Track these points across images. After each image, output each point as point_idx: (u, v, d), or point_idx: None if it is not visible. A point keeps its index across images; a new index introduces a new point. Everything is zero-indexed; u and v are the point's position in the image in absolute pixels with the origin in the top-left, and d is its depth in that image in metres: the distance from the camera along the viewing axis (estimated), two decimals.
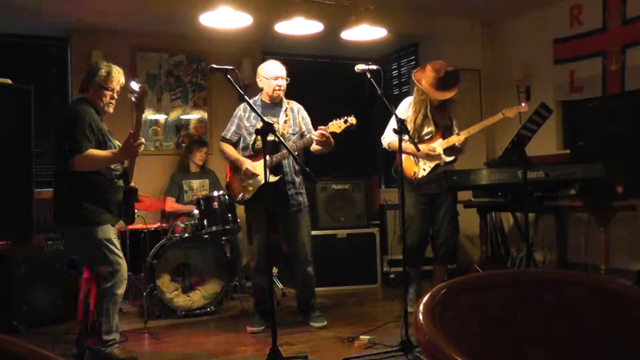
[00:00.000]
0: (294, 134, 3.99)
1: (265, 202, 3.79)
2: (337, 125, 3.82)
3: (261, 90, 4.04)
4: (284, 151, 3.81)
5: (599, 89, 5.19)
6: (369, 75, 3.51)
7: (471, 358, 1.10)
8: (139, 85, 3.16)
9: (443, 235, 4.19)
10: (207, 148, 5.59)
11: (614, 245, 4.58)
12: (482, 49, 6.31)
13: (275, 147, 3.83)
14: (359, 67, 3.54)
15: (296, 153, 3.74)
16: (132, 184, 3.34)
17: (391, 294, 5.06)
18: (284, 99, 4.04)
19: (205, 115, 6.03)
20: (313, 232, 5.07)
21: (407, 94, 6.50)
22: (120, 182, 3.29)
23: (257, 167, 3.89)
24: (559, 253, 5.28)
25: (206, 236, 4.60)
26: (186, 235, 4.57)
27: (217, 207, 4.74)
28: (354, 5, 5.18)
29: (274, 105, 4.01)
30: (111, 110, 3.37)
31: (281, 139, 3.40)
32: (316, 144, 3.84)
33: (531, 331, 1.40)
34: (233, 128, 4.04)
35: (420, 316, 1.22)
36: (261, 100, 4.03)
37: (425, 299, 1.29)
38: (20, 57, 5.60)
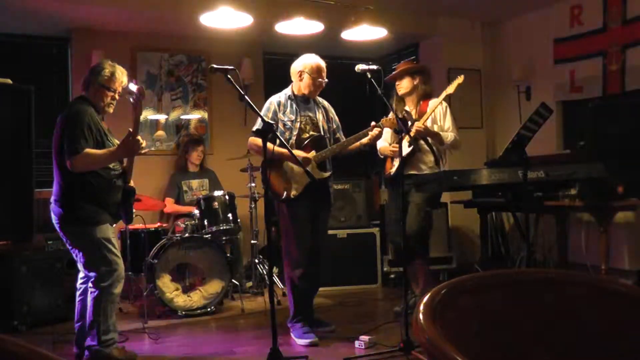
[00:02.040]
0: (329, 130, 3.89)
1: (309, 202, 3.71)
2: (390, 121, 3.74)
3: (291, 83, 3.87)
4: (334, 146, 3.75)
5: (599, 89, 5.19)
6: (369, 75, 3.51)
7: (471, 358, 1.10)
8: (137, 86, 3.16)
9: (408, 227, 4.12)
10: (204, 147, 5.59)
11: (614, 245, 4.58)
12: (482, 49, 6.31)
13: (320, 142, 3.75)
14: (359, 67, 3.54)
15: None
16: (131, 184, 3.34)
17: (391, 294, 5.06)
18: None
19: (205, 115, 6.04)
20: None
21: None
22: (119, 182, 3.28)
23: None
24: (559, 253, 5.28)
25: (206, 236, 4.60)
26: (186, 235, 4.57)
27: (217, 207, 4.74)
28: (354, 5, 5.18)
29: (307, 100, 3.85)
30: (111, 110, 3.36)
31: (277, 138, 3.38)
32: (369, 139, 3.74)
33: (531, 331, 1.41)
34: None
35: (421, 316, 1.22)
36: (294, 94, 3.82)
37: (425, 299, 1.29)
38: (20, 57, 5.60)
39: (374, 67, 3.54)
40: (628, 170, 4.20)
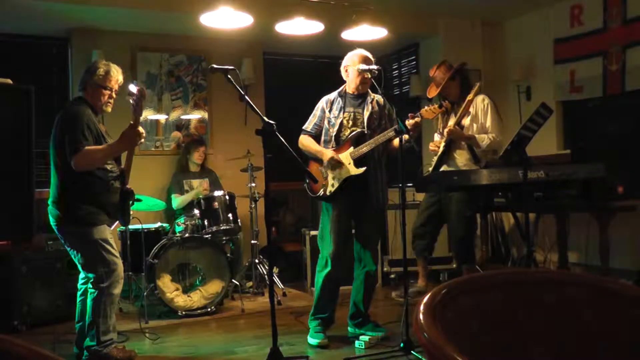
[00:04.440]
0: (379, 127, 3.73)
1: (346, 201, 3.64)
2: (430, 111, 3.62)
3: (344, 82, 3.80)
4: (370, 141, 3.61)
5: (599, 89, 5.19)
6: (369, 75, 3.50)
7: (471, 358, 1.10)
8: (137, 88, 3.15)
9: (452, 235, 4.19)
10: (205, 147, 5.59)
11: (614, 245, 4.58)
12: (482, 49, 6.30)
13: (359, 137, 3.66)
14: (360, 67, 3.53)
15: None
16: (128, 186, 3.33)
17: (391, 294, 5.05)
18: (369, 91, 3.78)
19: (205, 115, 6.04)
20: (312, 232, 5.07)
21: (408, 94, 6.51)
22: (117, 184, 3.28)
23: (342, 158, 3.61)
24: (559, 253, 5.27)
25: (206, 236, 4.60)
26: (186, 235, 4.57)
27: (217, 207, 4.74)
28: (354, 5, 5.17)
29: (359, 96, 3.75)
30: (109, 109, 3.36)
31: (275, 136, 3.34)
32: (408, 134, 3.49)
33: (531, 331, 1.40)
34: (315, 120, 3.78)
35: (421, 316, 1.22)
36: (345, 91, 3.77)
37: (425, 299, 1.29)
38: (20, 57, 5.60)
39: (374, 67, 3.53)
40: (628, 170, 4.21)
